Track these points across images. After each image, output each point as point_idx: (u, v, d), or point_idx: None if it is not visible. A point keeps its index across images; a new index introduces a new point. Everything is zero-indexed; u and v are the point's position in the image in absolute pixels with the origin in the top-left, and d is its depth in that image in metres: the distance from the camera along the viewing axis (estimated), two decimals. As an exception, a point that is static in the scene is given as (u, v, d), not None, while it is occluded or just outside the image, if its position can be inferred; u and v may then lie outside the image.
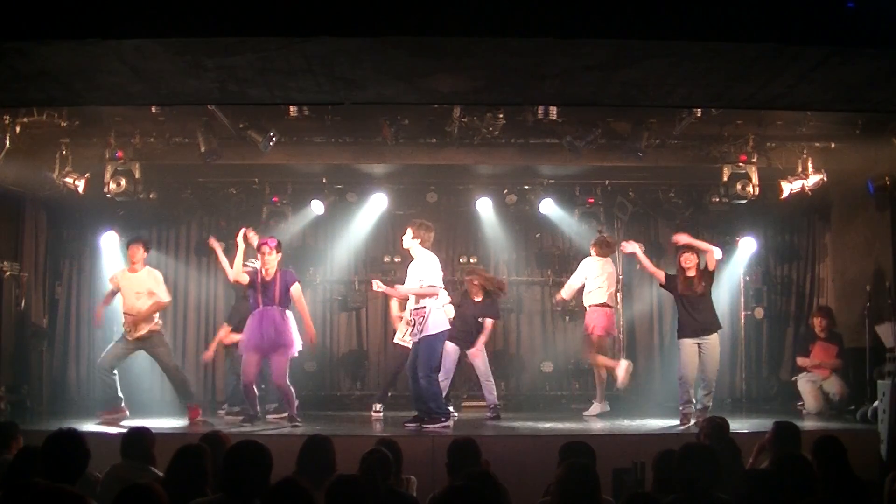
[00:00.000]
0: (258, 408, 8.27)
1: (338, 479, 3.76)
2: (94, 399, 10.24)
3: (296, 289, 8.08)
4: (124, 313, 8.48)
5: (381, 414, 9.22)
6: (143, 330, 8.39)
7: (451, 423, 7.98)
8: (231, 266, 8.30)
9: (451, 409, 8.50)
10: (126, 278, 8.56)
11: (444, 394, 8.46)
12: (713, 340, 8.23)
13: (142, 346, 8.50)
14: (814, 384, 9.38)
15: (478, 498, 3.38)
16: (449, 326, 8.13)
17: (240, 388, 8.53)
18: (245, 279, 8.10)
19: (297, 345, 8.06)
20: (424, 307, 7.85)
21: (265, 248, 7.98)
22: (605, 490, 4.60)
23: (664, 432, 7.88)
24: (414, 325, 7.98)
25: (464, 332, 8.96)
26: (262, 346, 7.95)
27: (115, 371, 8.40)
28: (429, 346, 7.82)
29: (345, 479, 3.76)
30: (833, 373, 9.35)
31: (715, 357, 8.26)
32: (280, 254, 8.12)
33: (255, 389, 8.14)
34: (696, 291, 8.22)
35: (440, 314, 7.93)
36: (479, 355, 9.04)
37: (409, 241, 8.02)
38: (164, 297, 8.57)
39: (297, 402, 8.15)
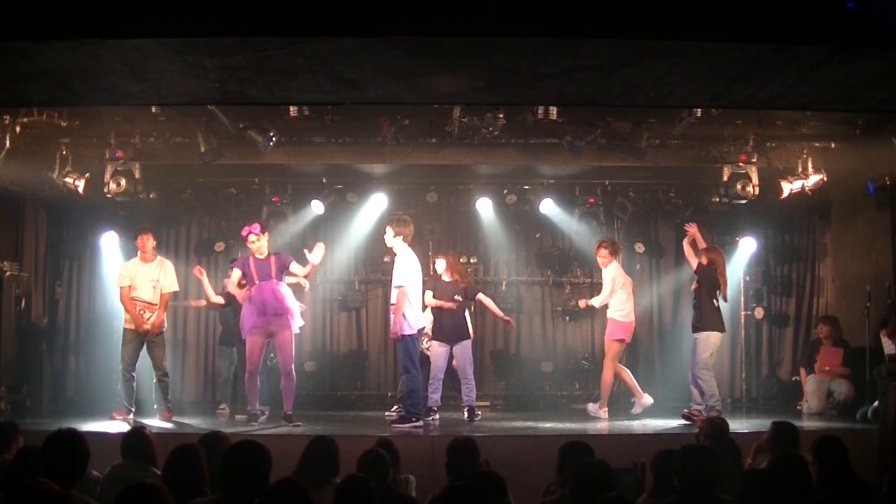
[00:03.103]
0: (258, 405, 8.25)
1: (347, 479, 3.77)
2: (95, 399, 10.26)
3: (294, 266, 8.15)
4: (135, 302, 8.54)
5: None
6: (157, 323, 8.57)
7: (422, 423, 7.93)
8: (208, 296, 9.15)
9: (434, 411, 8.41)
10: (139, 268, 8.64)
11: (437, 396, 8.46)
12: (699, 337, 8.34)
13: (146, 340, 8.56)
14: (820, 384, 9.40)
15: (478, 498, 3.38)
16: (415, 328, 8.06)
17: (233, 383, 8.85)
18: (220, 300, 9.30)
19: (298, 320, 8.18)
20: (394, 304, 7.96)
21: (251, 237, 8.06)
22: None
23: (664, 432, 7.88)
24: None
25: (449, 327, 8.67)
26: (264, 319, 7.94)
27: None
28: (403, 346, 7.99)
29: (354, 479, 3.77)
30: (841, 375, 9.38)
31: (697, 355, 8.33)
32: (266, 234, 8.20)
33: (257, 382, 8.18)
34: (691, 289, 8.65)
35: (410, 313, 7.98)
36: (461, 352, 8.75)
37: (392, 239, 8.14)
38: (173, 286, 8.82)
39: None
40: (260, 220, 9.34)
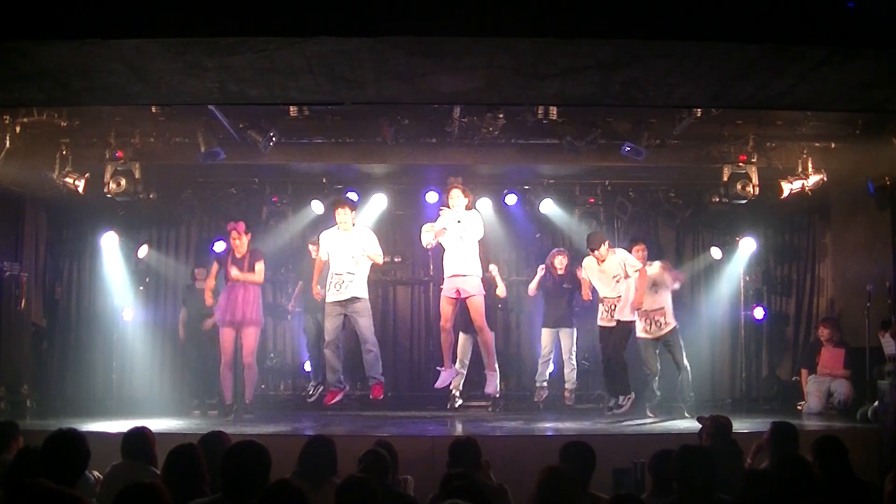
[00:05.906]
0: (231, 398, 8.55)
1: (348, 479, 3.77)
2: (95, 399, 10.26)
3: (259, 266, 8.52)
4: (335, 274, 8.23)
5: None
6: (352, 293, 8.18)
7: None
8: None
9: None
10: (337, 238, 8.34)
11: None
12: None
13: (345, 311, 8.25)
14: (820, 384, 9.40)
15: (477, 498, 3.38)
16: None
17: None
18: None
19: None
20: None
21: (234, 234, 8.49)
22: (605, 490, 4.61)
23: (664, 432, 7.87)
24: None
25: None
26: (233, 321, 8.41)
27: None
28: None
29: (355, 479, 3.77)
30: (842, 376, 9.38)
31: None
32: (248, 235, 8.63)
33: (231, 375, 8.54)
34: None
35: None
36: None
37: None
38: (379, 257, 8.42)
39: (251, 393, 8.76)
40: (248, 219, 9.26)
